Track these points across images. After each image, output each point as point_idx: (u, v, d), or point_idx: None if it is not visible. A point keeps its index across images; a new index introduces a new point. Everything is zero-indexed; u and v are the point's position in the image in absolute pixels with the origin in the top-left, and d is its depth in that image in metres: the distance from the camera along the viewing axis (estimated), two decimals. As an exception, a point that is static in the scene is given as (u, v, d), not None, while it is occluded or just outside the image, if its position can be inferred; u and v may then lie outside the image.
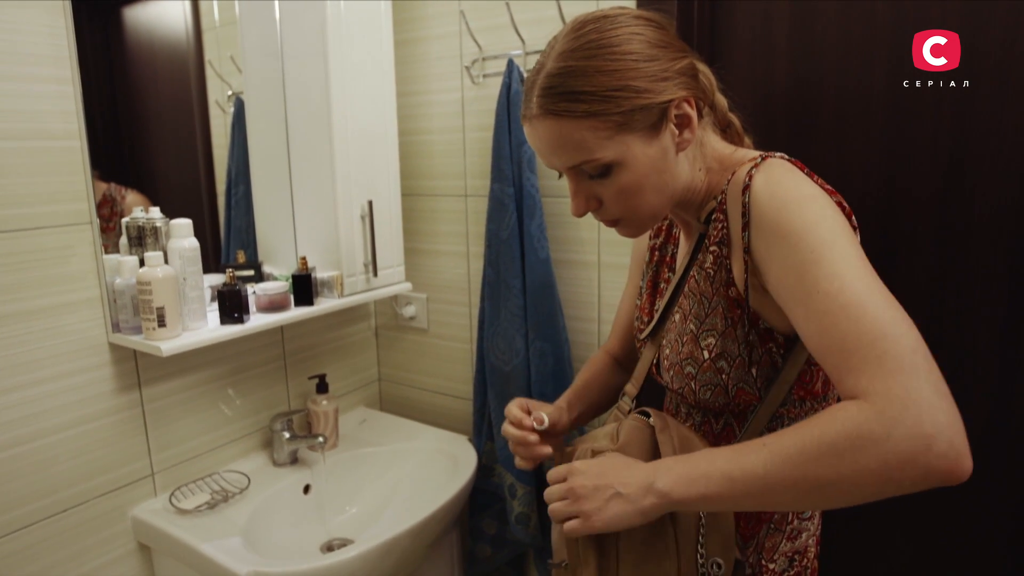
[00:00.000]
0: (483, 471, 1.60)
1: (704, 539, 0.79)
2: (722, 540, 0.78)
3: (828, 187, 0.76)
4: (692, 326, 0.83)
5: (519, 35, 1.47)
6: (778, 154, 0.80)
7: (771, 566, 0.87)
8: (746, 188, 0.75)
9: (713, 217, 0.81)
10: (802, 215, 0.71)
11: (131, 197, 1.38)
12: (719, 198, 0.81)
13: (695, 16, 1.28)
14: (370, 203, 1.53)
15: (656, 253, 1.01)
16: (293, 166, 1.55)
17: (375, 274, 1.56)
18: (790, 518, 0.86)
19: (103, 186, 1.34)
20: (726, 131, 0.90)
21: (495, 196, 1.48)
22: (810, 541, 0.90)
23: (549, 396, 1.47)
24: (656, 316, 0.93)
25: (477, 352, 1.61)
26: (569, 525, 0.77)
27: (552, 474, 0.82)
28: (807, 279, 0.68)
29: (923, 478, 0.59)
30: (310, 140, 1.50)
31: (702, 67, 0.85)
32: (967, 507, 1.20)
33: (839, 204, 0.75)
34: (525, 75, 1.46)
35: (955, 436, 0.59)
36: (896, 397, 0.60)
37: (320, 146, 1.48)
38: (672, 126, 0.78)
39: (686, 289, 0.85)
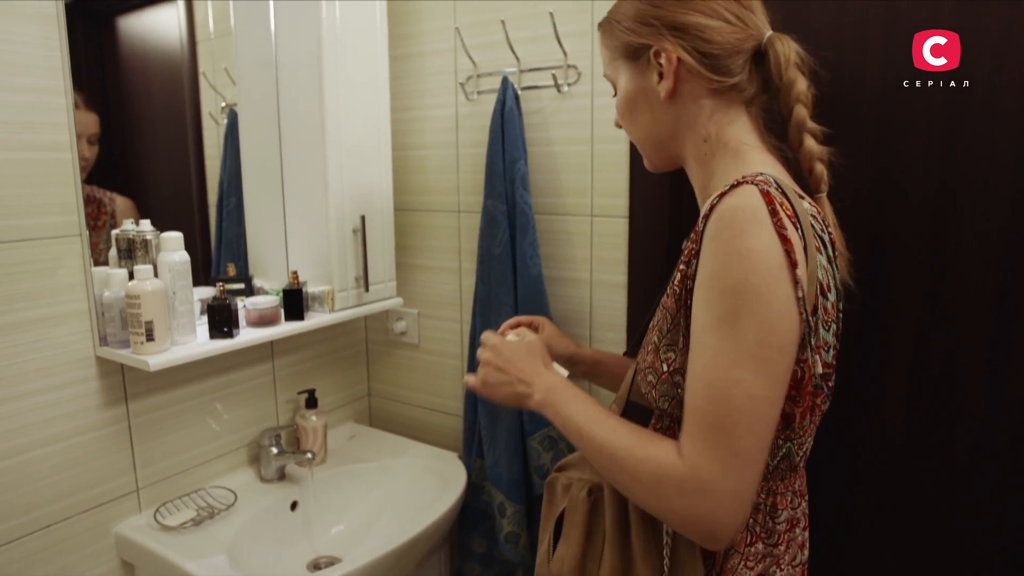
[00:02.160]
0: (473, 489, 1.59)
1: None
2: None
3: (784, 231, 0.71)
4: (655, 338, 0.85)
5: (514, 53, 1.47)
6: (760, 176, 0.75)
7: None
8: (706, 216, 0.75)
9: (691, 235, 0.81)
10: (727, 274, 0.71)
11: (120, 201, 1.39)
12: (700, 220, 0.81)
13: None
14: (363, 218, 1.53)
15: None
16: (286, 179, 1.54)
17: (367, 289, 1.56)
18: (751, 540, 0.82)
19: (85, 188, 1.32)
20: (789, 120, 0.85)
21: (488, 213, 1.48)
22: (780, 572, 0.85)
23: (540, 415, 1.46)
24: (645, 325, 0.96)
25: (468, 369, 1.60)
26: (469, 381, 0.99)
27: (483, 336, 1.01)
28: (703, 338, 0.73)
29: (685, 534, 0.76)
30: (303, 153, 1.50)
31: (778, 40, 0.83)
32: (958, 530, 1.20)
33: (788, 253, 0.71)
34: (519, 93, 1.47)
35: (719, 528, 0.72)
36: (698, 479, 0.71)
37: (313, 159, 1.48)
38: (656, 72, 0.85)
39: (660, 303, 0.87)
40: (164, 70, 1.48)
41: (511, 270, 1.47)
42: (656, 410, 0.85)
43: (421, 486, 1.58)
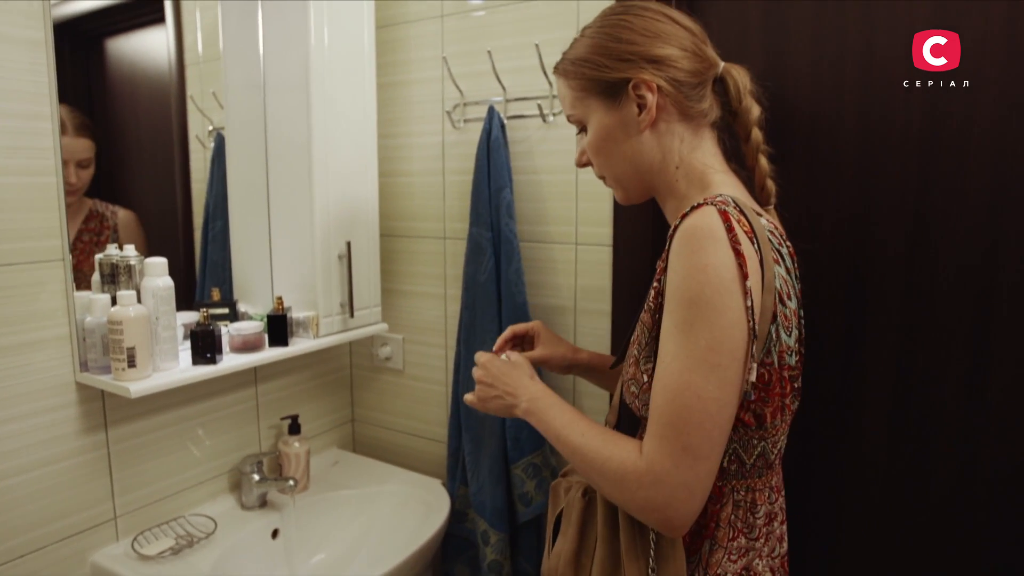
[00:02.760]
0: (456, 516, 1.58)
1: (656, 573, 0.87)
2: (674, 572, 0.86)
3: (738, 246, 0.78)
4: (635, 351, 0.90)
5: (500, 83, 1.49)
6: (719, 198, 0.83)
7: None
8: (671, 236, 0.83)
9: (662, 254, 0.86)
10: (685, 287, 0.78)
11: (123, 214, 1.40)
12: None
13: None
14: (348, 243, 1.53)
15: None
16: (272, 204, 1.54)
17: (351, 315, 1.56)
18: (733, 535, 0.87)
19: (88, 202, 1.35)
20: (746, 142, 0.95)
21: (473, 239, 1.48)
22: (761, 563, 0.89)
23: (524, 442, 1.47)
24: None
25: (452, 395, 1.60)
26: (467, 397, 1.08)
27: (476, 356, 1.08)
28: (665, 344, 0.81)
29: (644, 520, 0.84)
30: (290, 178, 1.50)
31: (734, 69, 0.93)
32: (947, 541, 1.20)
33: (740, 267, 0.77)
34: (505, 122, 1.49)
35: (673, 516, 0.79)
36: (653, 472, 0.79)
37: (300, 184, 1.48)
38: (633, 105, 0.89)
39: (640, 319, 0.92)
40: (152, 93, 1.48)
41: (496, 297, 1.47)
42: (641, 418, 0.90)
43: (404, 514, 1.57)
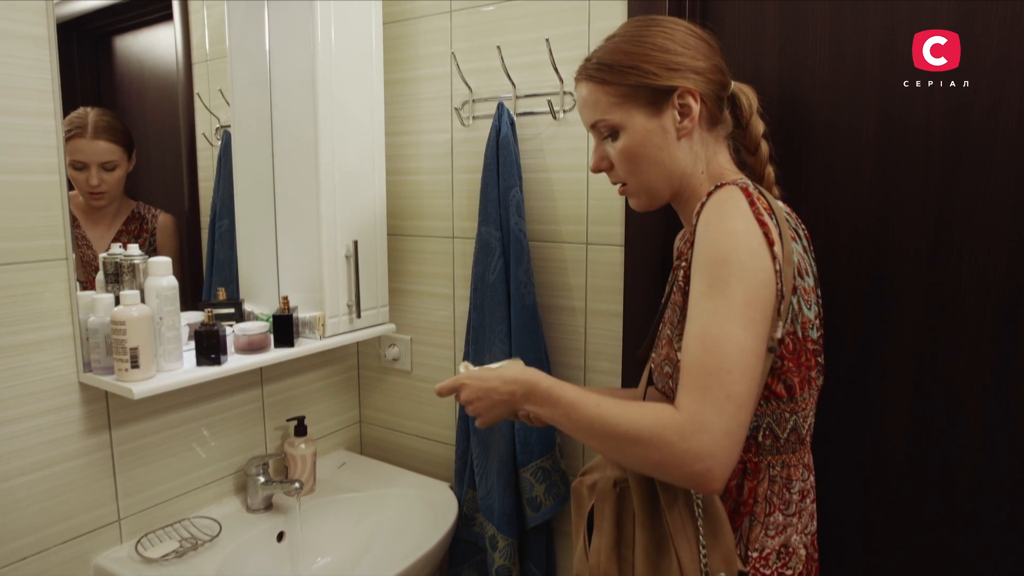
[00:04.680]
0: (464, 520, 1.56)
1: (707, 557, 0.88)
2: (723, 554, 0.87)
3: (761, 217, 0.84)
4: (668, 331, 0.95)
5: (510, 79, 1.46)
6: (740, 181, 0.89)
7: (753, 555, 0.90)
8: (698, 213, 0.87)
9: (684, 238, 0.94)
10: (716, 249, 0.83)
11: (163, 217, 1.43)
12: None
13: (685, 15, 1.28)
14: (355, 243, 1.51)
15: (673, 274, 1.09)
16: (278, 203, 1.52)
17: (358, 315, 1.53)
18: (770, 510, 0.90)
19: (131, 204, 1.38)
20: (754, 154, 1.02)
21: (482, 239, 1.46)
22: (797, 539, 0.92)
23: (533, 445, 1.44)
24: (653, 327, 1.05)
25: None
26: (476, 421, 1.05)
27: (441, 388, 1.06)
28: (699, 303, 0.83)
29: (681, 479, 0.82)
30: (296, 176, 1.48)
31: (744, 88, 1.00)
32: (969, 541, 1.17)
33: (765, 235, 0.83)
34: (515, 119, 1.46)
35: (715, 465, 0.78)
36: (696, 421, 0.78)
37: (306, 183, 1.46)
38: (675, 112, 0.93)
39: (669, 301, 0.97)
40: (160, 90, 1.47)
41: (505, 298, 1.45)
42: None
43: (411, 517, 1.55)
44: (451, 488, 1.61)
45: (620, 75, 0.94)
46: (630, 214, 1.37)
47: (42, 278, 1.19)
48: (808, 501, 0.95)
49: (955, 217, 1.12)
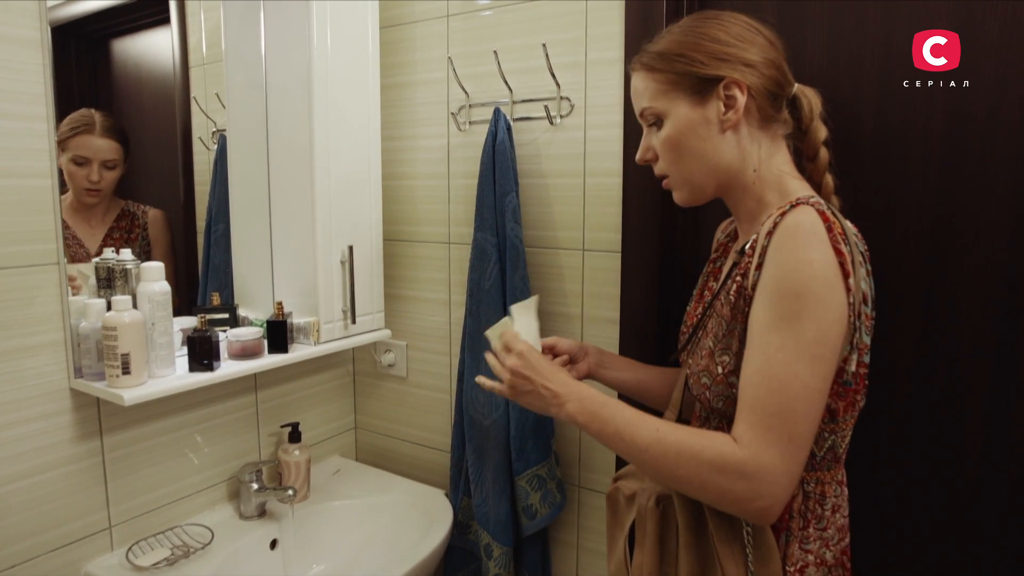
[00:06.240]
0: (459, 528, 1.55)
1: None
2: (773, 570, 0.86)
3: (838, 245, 0.80)
4: (710, 343, 0.92)
5: (506, 84, 1.45)
6: (813, 199, 0.86)
7: (791, 570, 0.89)
8: (770, 233, 0.84)
9: (747, 251, 0.89)
10: (790, 280, 0.80)
11: (152, 212, 1.43)
12: (754, 237, 0.88)
13: (683, 13, 1.26)
14: (350, 248, 1.50)
15: (710, 266, 1.09)
16: (273, 207, 1.51)
17: (353, 321, 1.52)
18: (803, 524, 0.89)
19: (120, 202, 1.38)
20: (813, 160, 0.97)
21: (478, 245, 1.45)
22: (828, 553, 0.91)
23: (529, 453, 1.43)
24: (691, 331, 1.04)
25: (456, 404, 1.56)
26: (487, 383, 1.04)
27: (508, 340, 1.01)
28: (765, 335, 0.81)
29: (737, 513, 0.84)
30: (291, 181, 1.47)
31: (807, 90, 0.96)
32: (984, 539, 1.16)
33: (841, 264, 0.80)
34: (511, 124, 1.45)
35: (774, 503, 0.80)
36: (758, 462, 0.79)
37: (301, 187, 1.45)
38: (720, 103, 0.90)
39: (713, 311, 0.95)
40: (156, 93, 1.47)
41: (501, 304, 1.43)
42: (707, 410, 0.94)
43: (406, 525, 1.53)
44: (446, 495, 1.60)
45: (668, 62, 0.93)
46: (627, 221, 1.36)
47: (34, 283, 1.18)
48: (839, 515, 0.93)
49: (955, 217, 1.11)
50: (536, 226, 1.49)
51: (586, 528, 1.51)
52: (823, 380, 0.81)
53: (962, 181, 1.10)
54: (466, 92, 1.53)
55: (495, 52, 1.43)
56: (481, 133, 1.49)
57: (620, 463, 1.43)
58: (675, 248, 1.35)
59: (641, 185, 1.33)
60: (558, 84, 1.40)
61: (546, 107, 1.42)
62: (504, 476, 1.44)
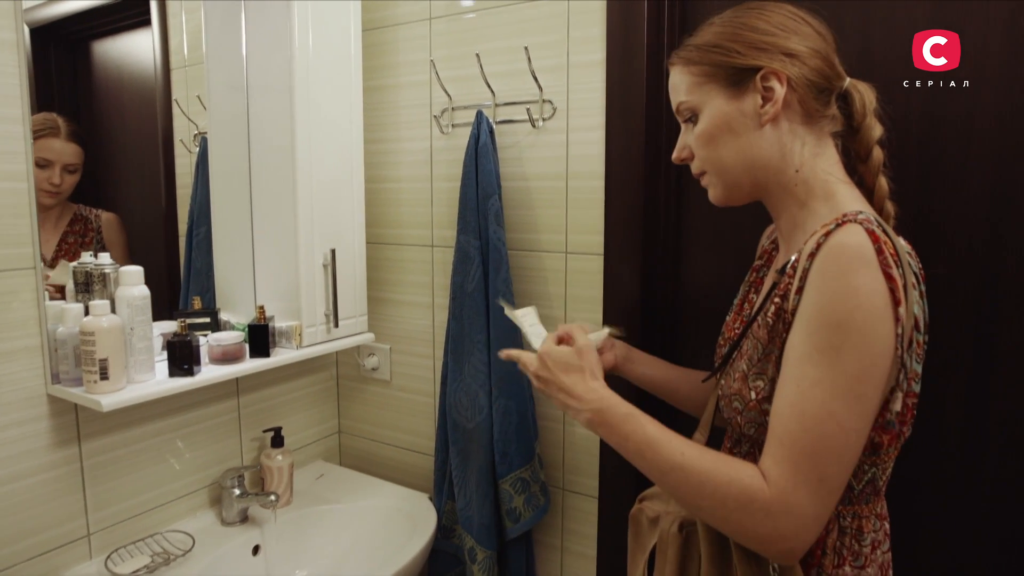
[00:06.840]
0: (443, 532, 1.54)
1: None
2: None
3: (889, 270, 0.73)
4: (744, 366, 0.87)
5: (489, 87, 1.45)
6: (861, 215, 0.77)
7: None
8: (812, 255, 0.77)
9: (787, 271, 0.83)
10: (832, 309, 0.74)
11: (105, 215, 1.40)
12: (795, 256, 0.82)
13: (664, 15, 1.27)
14: (333, 251, 1.49)
15: (754, 274, 1.04)
16: (255, 210, 1.50)
17: (336, 324, 1.51)
18: (839, 562, 0.84)
19: (73, 207, 1.35)
20: (865, 161, 0.89)
21: (461, 248, 1.45)
22: None
23: (512, 456, 1.43)
24: (727, 349, 0.97)
25: (439, 407, 1.56)
26: (512, 354, 1.03)
27: (543, 348, 0.98)
28: (801, 367, 0.76)
29: (760, 551, 0.79)
30: (273, 183, 1.46)
31: (860, 85, 0.88)
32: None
33: (891, 292, 0.73)
34: (494, 127, 1.45)
35: (798, 545, 0.76)
36: (785, 501, 0.74)
37: (283, 190, 1.45)
38: (758, 96, 0.84)
39: (750, 332, 0.89)
40: (137, 95, 1.45)
41: (484, 307, 1.43)
42: (738, 435, 0.90)
43: (390, 529, 1.53)
44: (430, 499, 1.59)
45: (704, 54, 0.88)
46: (610, 223, 1.36)
47: (9, 287, 1.16)
48: (880, 552, 0.87)
49: (954, 217, 1.11)
50: (519, 229, 1.49)
51: (570, 531, 1.51)
52: (862, 420, 0.75)
53: (962, 181, 1.10)
54: (449, 95, 1.53)
55: (478, 55, 1.43)
56: (464, 136, 1.49)
57: (604, 467, 1.43)
58: (658, 251, 1.35)
59: (623, 188, 1.33)
60: (540, 87, 1.41)
61: (528, 110, 1.43)
62: (488, 479, 1.44)
